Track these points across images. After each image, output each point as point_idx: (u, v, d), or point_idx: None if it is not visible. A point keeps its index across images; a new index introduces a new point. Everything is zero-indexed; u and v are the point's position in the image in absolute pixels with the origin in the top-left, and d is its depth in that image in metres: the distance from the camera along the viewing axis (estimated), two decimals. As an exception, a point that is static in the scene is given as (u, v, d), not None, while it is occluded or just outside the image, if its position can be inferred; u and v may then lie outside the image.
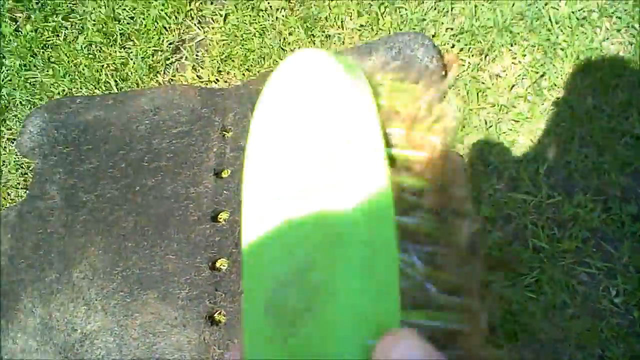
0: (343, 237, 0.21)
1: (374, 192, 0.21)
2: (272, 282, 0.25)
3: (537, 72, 0.97)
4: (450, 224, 0.23)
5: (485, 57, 0.97)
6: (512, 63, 0.98)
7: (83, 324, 0.87)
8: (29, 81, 1.13)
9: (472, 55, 0.97)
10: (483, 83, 0.96)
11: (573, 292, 0.88)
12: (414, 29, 1.02)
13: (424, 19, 1.02)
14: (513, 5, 1.02)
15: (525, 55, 0.99)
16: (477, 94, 0.94)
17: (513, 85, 0.95)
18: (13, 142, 1.07)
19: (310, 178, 0.23)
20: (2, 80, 1.14)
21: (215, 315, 0.85)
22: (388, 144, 0.23)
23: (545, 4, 1.01)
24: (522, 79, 0.97)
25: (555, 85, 0.96)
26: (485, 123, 0.92)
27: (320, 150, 0.23)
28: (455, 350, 0.21)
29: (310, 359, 0.21)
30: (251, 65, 1.04)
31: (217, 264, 0.89)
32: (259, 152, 0.25)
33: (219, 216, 0.92)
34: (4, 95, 1.12)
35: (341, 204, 0.21)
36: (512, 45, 0.99)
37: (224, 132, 0.98)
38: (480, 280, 0.23)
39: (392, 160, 0.22)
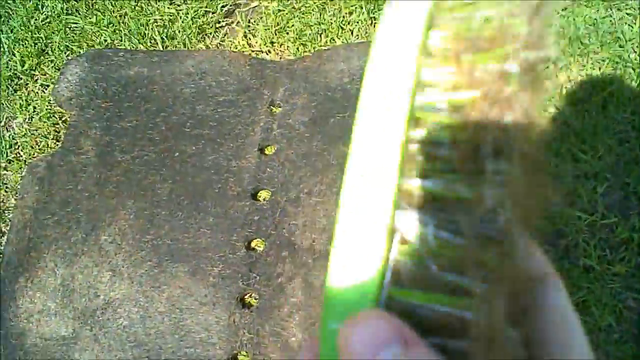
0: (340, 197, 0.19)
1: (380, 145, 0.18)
2: None
3: (603, 89, 0.92)
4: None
5: (553, 65, 0.91)
6: (579, 75, 0.93)
7: (107, 290, 0.83)
8: (69, 26, 1.07)
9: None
10: (547, 92, 0.91)
11: (620, 316, 0.85)
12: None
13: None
14: (586, 16, 0.96)
15: (594, 69, 0.94)
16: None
17: (579, 98, 0.90)
18: (47, 88, 1.02)
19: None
20: (41, 22, 1.08)
21: (246, 297, 0.81)
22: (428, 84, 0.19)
23: (620, 18, 0.96)
24: (589, 93, 0.92)
25: (622, 103, 0.92)
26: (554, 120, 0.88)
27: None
28: (459, 341, 0.17)
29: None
30: (307, 41, 0.99)
31: (253, 244, 0.84)
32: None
33: (259, 194, 0.87)
34: (42, 38, 1.06)
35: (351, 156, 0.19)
36: (581, 57, 0.94)
37: (272, 107, 0.93)
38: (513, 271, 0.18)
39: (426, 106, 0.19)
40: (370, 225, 0.18)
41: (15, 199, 0.92)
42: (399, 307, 0.18)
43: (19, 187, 0.93)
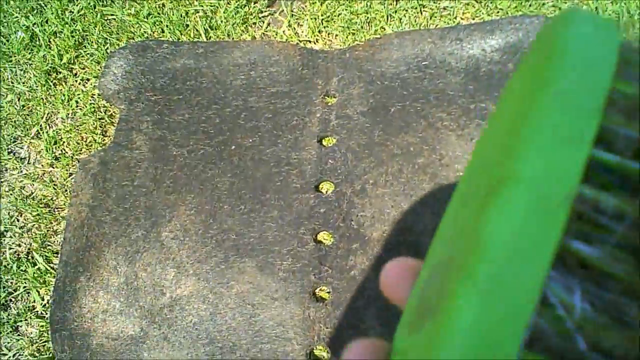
0: (479, 235, 0.16)
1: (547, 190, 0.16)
2: (430, 268, 0.22)
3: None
4: None
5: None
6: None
7: (172, 287, 0.81)
8: (105, 18, 1.03)
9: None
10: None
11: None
12: (531, 12, 0.96)
13: (543, 3, 0.97)
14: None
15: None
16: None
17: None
18: (87, 82, 0.99)
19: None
20: (76, 14, 1.04)
21: (317, 291, 0.80)
22: (604, 143, 0.17)
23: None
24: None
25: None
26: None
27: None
28: None
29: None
30: (356, 30, 0.97)
31: (319, 237, 0.83)
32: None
33: (321, 186, 0.86)
34: (78, 30, 1.02)
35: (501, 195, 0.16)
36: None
37: (327, 97, 0.92)
38: None
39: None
40: (522, 279, 0.16)
41: (66, 197, 0.90)
42: None
43: (71, 184, 0.90)
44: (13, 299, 0.84)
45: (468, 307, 0.16)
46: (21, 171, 0.91)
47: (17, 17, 1.04)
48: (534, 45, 0.20)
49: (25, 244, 0.87)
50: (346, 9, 0.97)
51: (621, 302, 0.16)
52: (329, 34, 0.97)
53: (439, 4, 0.97)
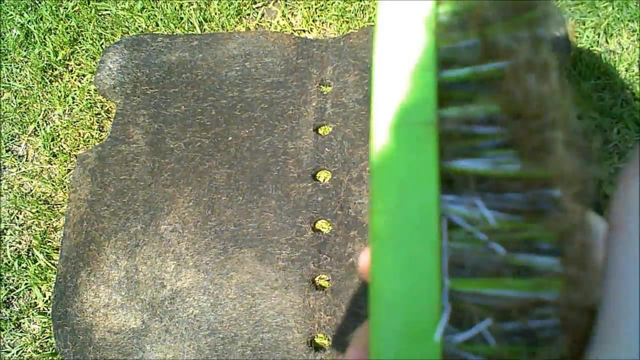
0: (372, 211, 0.17)
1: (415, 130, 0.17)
2: None
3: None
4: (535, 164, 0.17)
5: (603, 32, 0.91)
6: (631, 41, 0.93)
7: (173, 280, 0.81)
8: (100, 13, 1.03)
9: (587, 29, 0.92)
10: (598, 59, 0.90)
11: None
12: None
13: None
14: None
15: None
16: (593, 69, 0.88)
17: (630, 64, 0.90)
18: (83, 78, 0.99)
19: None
20: (71, 10, 1.04)
21: (317, 279, 0.80)
22: (451, 63, 0.18)
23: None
24: None
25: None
26: (602, 100, 0.87)
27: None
28: (538, 321, 0.16)
29: None
30: (350, 18, 0.97)
31: (318, 226, 0.83)
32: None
33: (318, 175, 0.86)
34: (73, 27, 1.02)
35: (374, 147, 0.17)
36: (631, 22, 0.94)
37: (322, 86, 0.92)
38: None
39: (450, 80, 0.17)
40: (417, 215, 0.16)
41: (64, 193, 0.90)
42: (466, 299, 0.16)
43: (69, 180, 0.90)
44: (15, 296, 0.84)
45: (380, 272, 0.16)
46: (19, 169, 0.92)
47: (11, 14, 1.04)
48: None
49: (25, 241, 0.87)
50: (340, -3, 0.97)
51: (526, 196, 0.17)
52: (323, 22, 0.97)
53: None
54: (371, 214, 0.17)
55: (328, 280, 0.79)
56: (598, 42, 0.87)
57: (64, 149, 0.93)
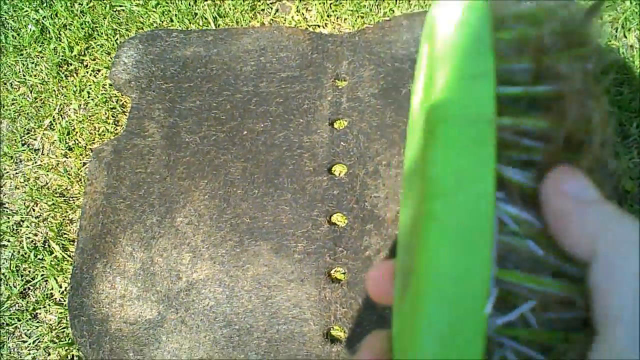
0: (430, 195, 0.18)
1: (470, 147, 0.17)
2: (403, 245, 0.24)
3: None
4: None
5: (621, 27, 0.91)
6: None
7: (189, 271, 0.81)
8: (114, 9, 1.04)
9: (605, 24, 0.92)
10: (616, 54, 0.90)
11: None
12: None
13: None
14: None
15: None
16: (611, 64, 0.88)
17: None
18: (98, 73, 0.99)
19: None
20: (86, 6, 1.05)
21: (332, 272, 0.80)
22: (506, 82, 0.19)
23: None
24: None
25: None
26: (621, 94, 0.87)
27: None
28: (572, 312, 0.18)
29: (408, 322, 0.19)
30: (365, 13, 0.97)
31: (334, 219, 0.83)
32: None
33: (334, 169, 0.86)
34: (88, 22, 1.03)
35: (433, 163, 0.18)
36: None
37: (337, 81, 0.92)
38: None
39: (505, 101, 0.19)
40: (476, 204, 0.17)
41: (80, 186, 0.90)
42: (508, 287, 0.18)
43: (85, 173, 0.91)
44: (31, 287, 0.85)
45: (437, 249, 0.17)
46: (35, 162, 0.92)
47: (27, 10, 1.04)
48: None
49: (41, 233, 0.88)
50: (354, -7, 0.97)
51: None
52: (337, 17, 0.97)
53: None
54: (427, 197, 0.18)
55: (344, 273, 0.80)
56: (616, 36, 0.87)
57: (80, 142, 0.94)
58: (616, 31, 0.88)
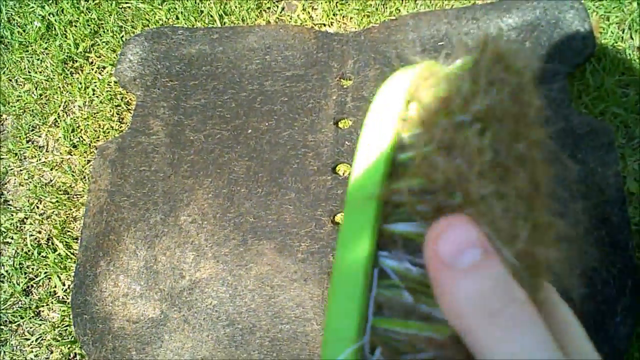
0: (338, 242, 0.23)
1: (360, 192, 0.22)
2: None
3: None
4: None
5: (628, 28, 0.90)
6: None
7: (192, 270, 0.81)
8: (120, 6, 1.04)
9: (612, 25, 0.91)
10: (622, 55, 0.90)
11: None
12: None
13: (560, -21, 0.95)
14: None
15: None
16: (618, 65, 0.87)
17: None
18: (103, 70, 0.99)
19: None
20: (92, 3, 1.05)
21: (336, 272, 0.80)
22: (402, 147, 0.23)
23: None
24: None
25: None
26: (626, 96, 0.87)
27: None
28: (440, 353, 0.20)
29: None
30: (371, 12, 0.97)
31: (337, 219, 0.83)
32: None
33: (338, 168, 0.86)
34: (94, 19, 1.03)
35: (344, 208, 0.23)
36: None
37: (342, 80, 0.91)
38: None
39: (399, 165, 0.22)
40: (354, 263, 0.21)
41: (84, 183, 0.90)
42: (382, 334, 0.21)
43: (89, 171, 0.91)
44: (34, 285, 0.85)
45: (332, 287, 0.22)
46: (40, 159, 0.92)
47: (32, 6, 1.04)
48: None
49: (45, 230, 0.88)
50: (360, -8, 0.96)
51: None
52: (343, 16, 0.97)
53: (454, -17, 0.96)
54: (337, 243, 0.22)
55: (347, 273, 0.79)
56: (622, 37, 0.86)
57: (84, 140, 0.94)
58: (622, 32, 0.87)
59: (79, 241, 0.84)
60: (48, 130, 0.95)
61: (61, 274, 0.84)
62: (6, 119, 0.97)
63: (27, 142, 0.95)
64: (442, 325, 0.19)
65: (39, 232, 0.88)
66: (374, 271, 0.21)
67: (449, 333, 0.19)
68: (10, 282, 0.84)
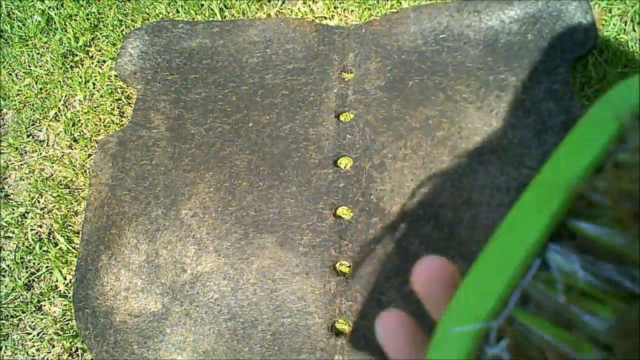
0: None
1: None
2: None
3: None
4: None
5: (630, 20, 0.90)
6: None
7: (193, 264, 0.81)
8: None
9: (614, 17, 0.90)
10: (625, 47, 0.89)
11: None
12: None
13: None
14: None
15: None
16: (620, 57, 0.87)
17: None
18: (104, 64, 0.99)
19: None
20: (92, -3, 1.04)
21: (338, 265, 0.80)
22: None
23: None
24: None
25: None
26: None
27: None
28: None
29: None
30: (372, 5, 0.96)
31: (339, 212, 0.83)
32: None
33: (339, 161, 0.86)
34: (94, 13, 1.03)
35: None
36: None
37: (343, 73, 0.91)
38: None
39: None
40: (513, 243, 0.20)
41: (85, 178, 0.90)
42: (517, 328, 0.19)
43: (90, 165, 0.91)
44: (36, 279, 0.85)
45: (473, 270, 0.20)
46: (40, 153, 0.92)
47: (32, 0, 1.04)
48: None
49: (46, 224, 0.87)
50: (361, -16, 0.96)
51: (619, 272, 0.18)
52: (344, 9, 0.96)
53: (456, -24, 0.96)
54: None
55: (349, 267, 0.79)
56: (625, 30, 0.86)
57: (85, 134, 0.93)
58: (625, 25, 0.87)
59: (80, 235, 0.83)
60: (49, 125, 0.95)
61: (62, 268, 0.84)
62: (7, 114, 0.97)
63: (28, 136, 0.95)
64: (584, 343, 0.18)
65: (40, 227, 0.88)
66: (535, 259, 0.20)
67: (591, 356, 0.17)
68: (11, 277, 0.84)
